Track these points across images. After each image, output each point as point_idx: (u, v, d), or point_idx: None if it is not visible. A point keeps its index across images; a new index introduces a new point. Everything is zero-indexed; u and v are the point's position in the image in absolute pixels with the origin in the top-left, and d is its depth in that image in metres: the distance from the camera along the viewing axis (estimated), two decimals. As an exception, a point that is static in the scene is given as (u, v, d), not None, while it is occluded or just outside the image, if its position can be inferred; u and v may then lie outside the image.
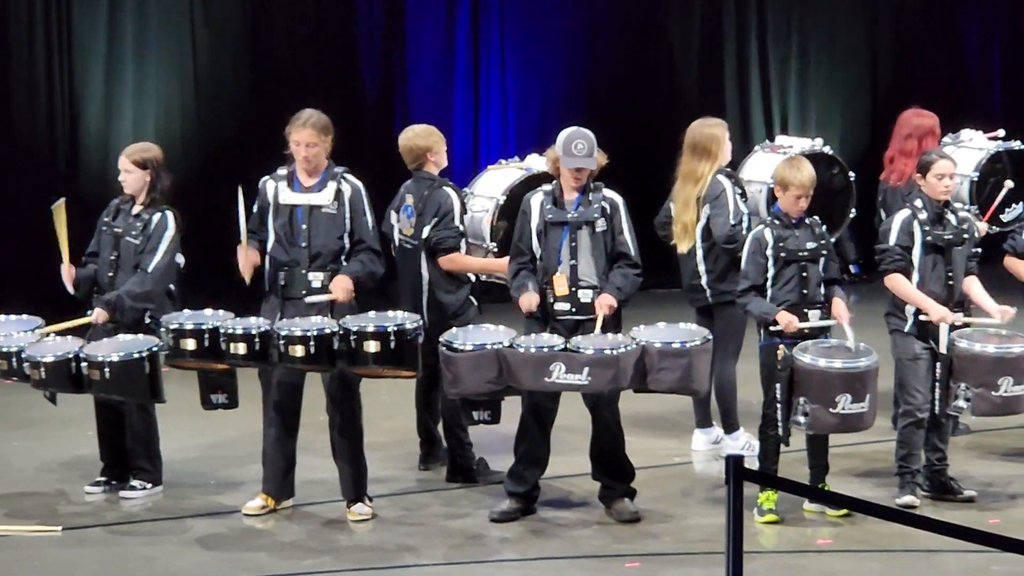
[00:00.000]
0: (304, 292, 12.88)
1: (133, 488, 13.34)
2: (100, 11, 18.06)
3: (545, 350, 12.41)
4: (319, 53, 18.75)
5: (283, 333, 12.46)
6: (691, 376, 12.66)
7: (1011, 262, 13.70)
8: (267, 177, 13.14)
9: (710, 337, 12.99)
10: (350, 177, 13.09)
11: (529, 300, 12.69)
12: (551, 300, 12.82)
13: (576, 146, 12.81)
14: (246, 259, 12.83)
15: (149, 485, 13.36)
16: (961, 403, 12.98)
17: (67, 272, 13.22)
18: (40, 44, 17.90)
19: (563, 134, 13.00)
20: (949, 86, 19.53)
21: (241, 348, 12.58)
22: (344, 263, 13.00)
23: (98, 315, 13.09)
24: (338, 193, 12.97)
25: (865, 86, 20.73)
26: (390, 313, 12.77)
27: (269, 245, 13.03)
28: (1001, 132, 15.98)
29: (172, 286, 13.34)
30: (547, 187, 13.09)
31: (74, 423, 13.92)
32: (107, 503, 13.30)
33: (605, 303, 12.65)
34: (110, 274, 13.30)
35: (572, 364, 12.36)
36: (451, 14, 19.16)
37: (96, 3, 18.10)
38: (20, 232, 17.58)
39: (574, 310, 12.73)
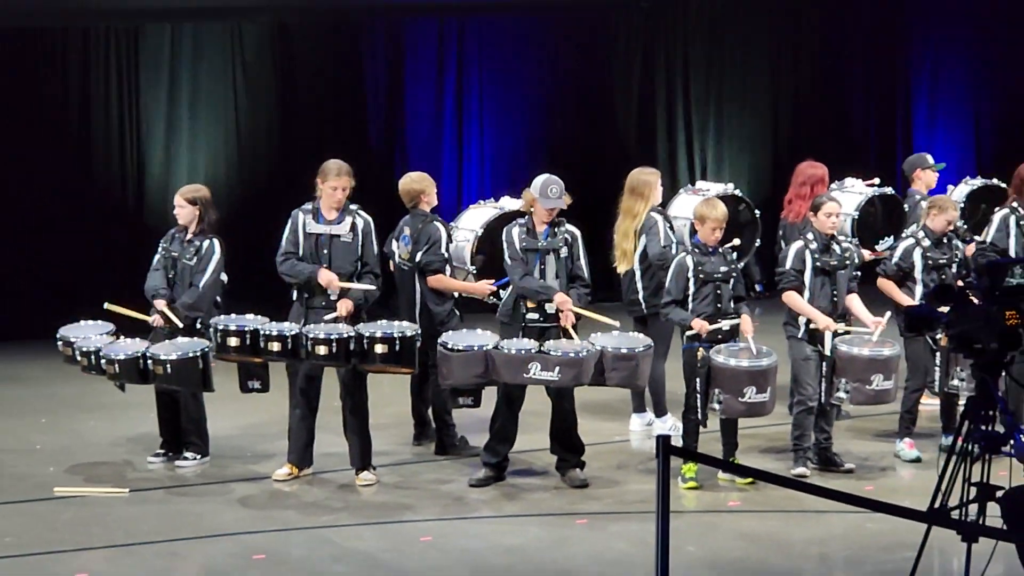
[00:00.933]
0: (323, 303, 13.16)
1: (186, 458, 13.69)
2: (163, 81, 18.21)
3: (524, 352, 12.87)
4: (335, 114, 18.83)
5: (311, 335, 12.79)
6: (636, 375, 13.23)
7: (883, 283, 14.04)
8: (297, 210, 13.43)
9: (652, 344, 13.46)
10: (363, 213, 13.47)
11: (562, 299, 13.14)
12: (523, 311, 13.22)
13: (551, 190, 13.28)
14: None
15: (199, 456, 13.71)
16: (842, 394, 13.46)
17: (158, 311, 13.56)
18: (114, 107, 18.00)
19: (539, 180, 13.42)
20: (836, 143, 19.63)
21: (276, 346, 12.92)
22: (356, 279, 13.24)
23: (157, 319, 13.45)
24: (353, 226, 13.34)
25: (768, 142, 20.82)
26: (394, 322, 13.13)
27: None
28: (876, 180, 16.22)
29: (218, 298, 13.62)
30: (522, 220, 13.45)
31: (138, 407, 14.06)
32: (165, 470, 13.62)
33: (569, 316, 13.12)
34: (168, 291, 13.59)
35: (546, 363, 12.82)
36: (440, 83, 19.31)
37: (159, 76, 18.28)
38: (101, 253, 17.80)
39: (541, 319, 13.17)
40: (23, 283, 17.92)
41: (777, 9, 21.09)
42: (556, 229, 13.41)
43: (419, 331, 13.28)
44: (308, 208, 13.50)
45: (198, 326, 13.60)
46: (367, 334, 12.98)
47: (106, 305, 13.63)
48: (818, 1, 21.27)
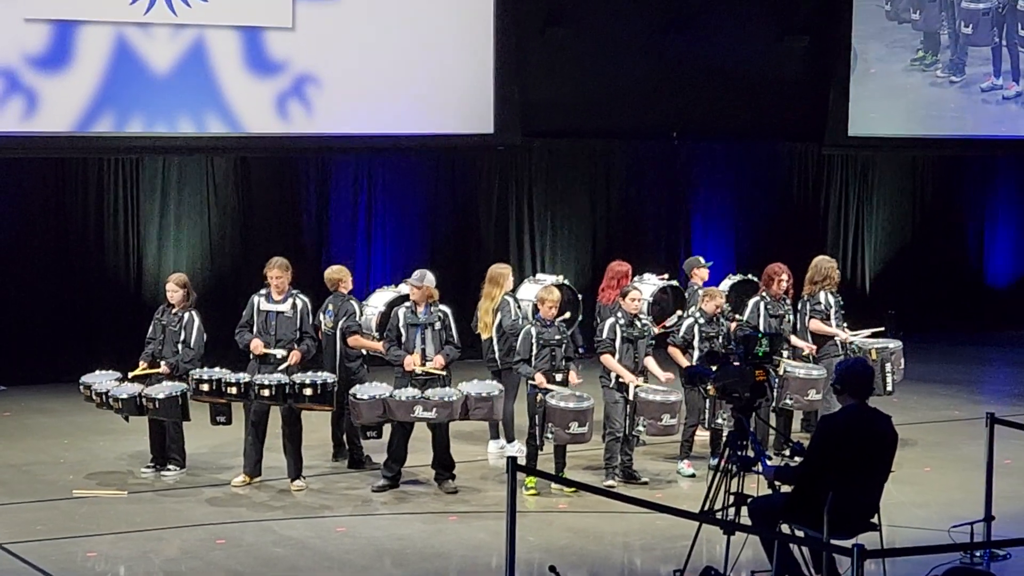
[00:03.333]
0: (270, 360, 13.10)
1: (169, 469, 13.54)
2: (156, 197, 18.00)
3: (410, 398, 12.85)
4: (280, 224, 18.73)
5: (258, 383, 12.83)
6: (493, 412, 13.32)
7: (672, 351, 13.99)
8: (255, 294, 13.42)
9: (504, 389, 13.54)
10: (302, 295, 13.45)
11: (410, 361, 13.04)
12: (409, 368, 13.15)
13: (426, 279, 13.25)
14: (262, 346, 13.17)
15: (179, 468, 13.57)
16: (640, 428, 13.39)
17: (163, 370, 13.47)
18: (120, 215, 17.86)
19: (416, 273, 13.45)
20: (636, 249, 19.41)
21: (234, 390, 12.88)
22: (296, 344, 13.24)
23: (163, 369, 13.37)
24: (294, 304, 13.31)
25: (588, 247, 20.68)
26: (319, 373, 13.12)
27: (253, 332, 13.28)
28: (666, 275, 16.30)
29: (202, 353, 13.56)
30: (408, 303, 13.37)
31: (136, 431, 13.88)
32: (154, 477, 13.47)
33: (439, 363, 13.06)
34: (163, 350, 13.52)
35: (426, 406, 12.82)
36: (355, 202, 19.20)
37: (153, 193, 18.04)
38: (110, 319, 17.62)
39: (421, 374, 13.08)
40: (53, 340, 17.65)
41: (592, 155, 20.98)
42: (432, 309, 13.32)
43: (337, 380, 13.23)
44: (262, 292, 13.46)
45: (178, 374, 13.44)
46: (299, 381, 12.96)
47: (130, 375, 13.49)
48: (622, 155, 21.20)
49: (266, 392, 12.93)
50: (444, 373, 13.18)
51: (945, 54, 22.56)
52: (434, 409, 12.90)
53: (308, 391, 12.96)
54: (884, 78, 22.21)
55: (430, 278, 13.42)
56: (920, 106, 22.59)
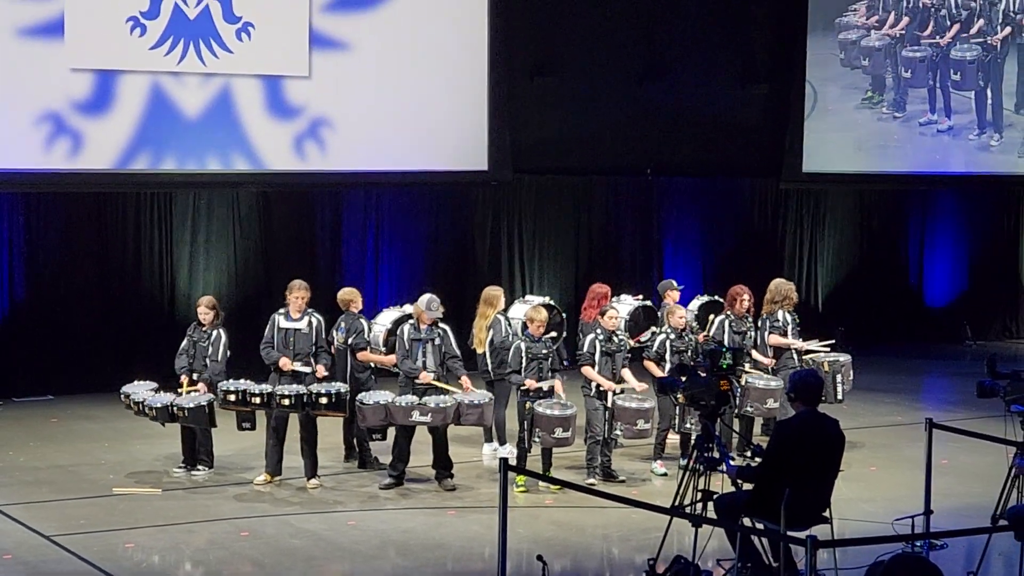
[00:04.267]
0: (290, 373, 13.13)
1: (199, 469, 13.54)
2: (187, 227, 17.99)
3: (408, 403, 12.88)
4: (298, 249, 18.67)
5: (280, 392, 12.87)
6: (483, 418, 13.27)
7: (647, 363, 13.96)
8: (275, 313, 13.43)
9: (493, 398, 13.55)
10: (316, 314, 13.45)
11: (425, 376, 13.11)
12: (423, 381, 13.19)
13: (432, 305, 13.31)
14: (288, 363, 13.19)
15: (207, 468, 13.57)
16: (618, 432, 13.42)
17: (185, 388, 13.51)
18: (156, 243, 17.85)
19: (424, 297, 13.43)
20: (615, 272, 19.49)
21: (257, 399, 12.93)
22: (312, 358, 13.28)
23: (199, 387, 13.40)
24: (310, 323, 13.32)
25: (572, 270, 20.62)
26: (333, 383, 13.18)
27: (275, 347, 13.30)
28: (641, 296, 16.32)
29: (226, 367, 13.56)
30: (412, 320, 13.40)
31: (169, 436, 13.82)
32: (185, 477, 13.46)
33: (466, 384, 13.18)
34: (193, 364, 13.57)
35: (423, 411, 12.83)
36: (364, 229, 19.12)
37: (185, 224, 18.01)
38: (146, 335, 17.50)
39: (422, 384, 13.13)
40: (95, 354, 17.61)
41: (575, 190, 20.94)
42: (433, 327, 13.35)
43: (349, 389, 13.22)
44: (281, 312, 13.44)
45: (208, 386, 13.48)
46: (315, 391, 12.97)
47: (180, 391, 13.49)
48: (601, 189, 21.14)
49: (287, 401, 12.93)
50: (469, 389, 13.30)
51: (889, 94, 22.72)
52: (430, 414, 12.91)
53: (324, 400, 12.99)
54: (836, 115, 22.30)
55: (435, 303, 13.40)
56: (868, 138, 22.63)
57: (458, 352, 13.49)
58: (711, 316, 15.24)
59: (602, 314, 13.86)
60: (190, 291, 17.72)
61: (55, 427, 15.94)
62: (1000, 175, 23.81)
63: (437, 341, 13.34)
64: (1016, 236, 24.56)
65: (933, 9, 22.78)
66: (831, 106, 22.29)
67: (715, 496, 10.28)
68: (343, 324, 13.95)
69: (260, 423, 13.41)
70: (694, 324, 15.03)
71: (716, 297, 16.28)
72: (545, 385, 13.36)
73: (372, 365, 14.06)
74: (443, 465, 13.34)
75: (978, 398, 10.89)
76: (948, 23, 22.88)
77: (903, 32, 22.64)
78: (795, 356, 14.80)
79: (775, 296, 15.06)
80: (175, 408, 13.24)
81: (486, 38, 19.37)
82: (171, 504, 12.65)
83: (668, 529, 10.31)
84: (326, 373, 13.32)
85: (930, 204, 23.79)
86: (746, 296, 14.79)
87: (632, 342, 14.71)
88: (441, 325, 13.43)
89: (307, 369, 13.28)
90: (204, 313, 13.65)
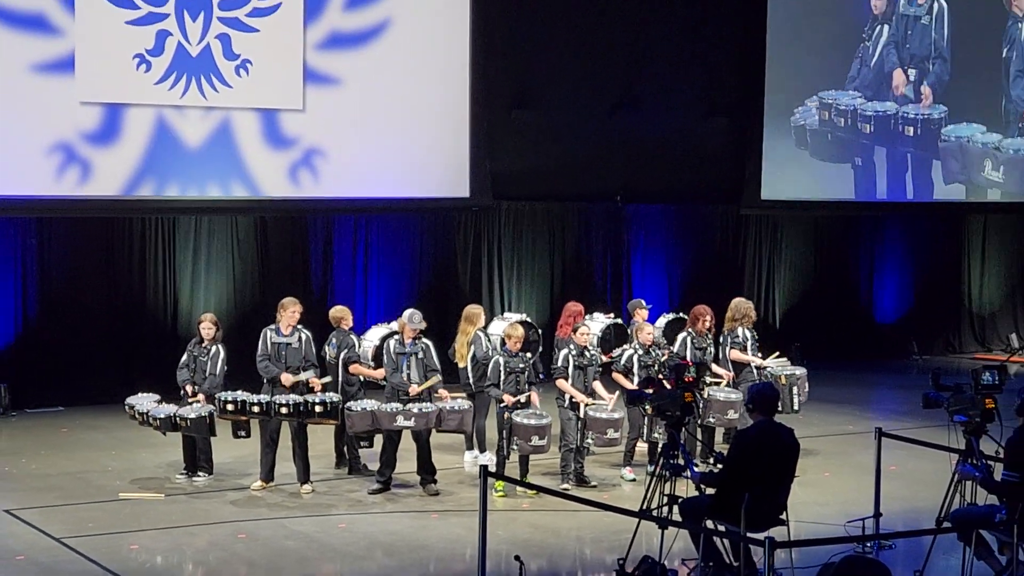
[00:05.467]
0: (282, 385, 13.07)
1: (199, 476, 13.48)
2: (189, 250, 17.98)
3: (392, 409, 12.91)
4: (291, 270, 18.63)
5: (278, 402, 12.88)
6: (463, 423, 13.23)
7: (616, 376, 13.91)
8: (266, 328, 13.41)
9: (473, 406, 13.53)
10: (305, 330, 13.40)
11: (414, 389, 13.08)
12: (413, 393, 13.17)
13: (414, 318, 13.30)
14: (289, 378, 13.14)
15: (207, 474, 13.51)
16: (590, 440, 13.45)
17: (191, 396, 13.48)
18: (160, 265, 17.84)
19: (406, 312, 13.46)
20: (587, 291, 19.54)
21: (256, 408, 12.90)
22: (301, 370, 13.22)
23: (200, 398, 13.34)
24: (299, 338, 13.28)
25: (547, 290, 20.61)
26: (326, 394, 13.16)
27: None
28: (612, 314, 16.42)
29: (224, 380, 13.49)
30: (397, 336, 13.47)
31: (171, 444, 13.78)
32: (187, 482, 13.39)
33: (444, 394, 13.24)
34: (194, 377, 13.51)
35: (407, 416, 12.85)
36: (354, 252, 19.14)
37: (187, 246, 18.00)
38: (150, 350, 17.44)
39: (406, 393, 13.11)
40: (102, 368, 17.59)
41: (550, 215, 20.94)
42: (416, 341, 13.34)
43: (340, 399, 13.21)
44: (272, 327, 13.42)
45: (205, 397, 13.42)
46: (310, 400, 12.98)
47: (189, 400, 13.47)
48: (575, 215, 21.15)
49: (284, 409, 12.92)
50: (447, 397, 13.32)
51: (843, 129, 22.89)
52: (413, 418, 12.93)
53: (319, 408, 12.99)
54: (793, 146, 22.36)
55: (417, 318, 13.40)
56: (823, 167, 22.70)
57: (439, 366, 13.47)
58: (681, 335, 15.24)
59: (575, 331, 13.86)
60: (191, 309, 17.67)
61: (64, 436, 15.90)
62: (944, 202, 23.90)
63: (420, 355, 13.32)
64: (958, 259, 24.67)
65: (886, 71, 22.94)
66: (788, 138, 22.32)
67: (680, 500, 10.29)
68: (335, 340, 13.93)
69: (255, 432, 13.40)
70: (661, 340, 15.02)
71: (682, 315, 16.29)
72: (523, 398, 13.35)
73: (362, 378, 14.04)
74: (427, 471, 13.30)
75: (924, 409, 10.90)
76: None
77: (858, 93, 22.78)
78: (754, 370, 14.81)
79: (735, 314, 15.08)
80: (178, 418, 13.22)
81: (467, 74, 19.41)
82: (173, 508, 12.63)
83: (636, 531, 10.31)
84: (318, 386, 13.29)
85: (879, 229, 23.86)
86: (708, 316, 14.79)
87: (603, 357, 14.69)
88: (424, 340, 13.41)
89: (305, 376, 13.28)
90: (207, 328, 13.60)
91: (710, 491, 10.13)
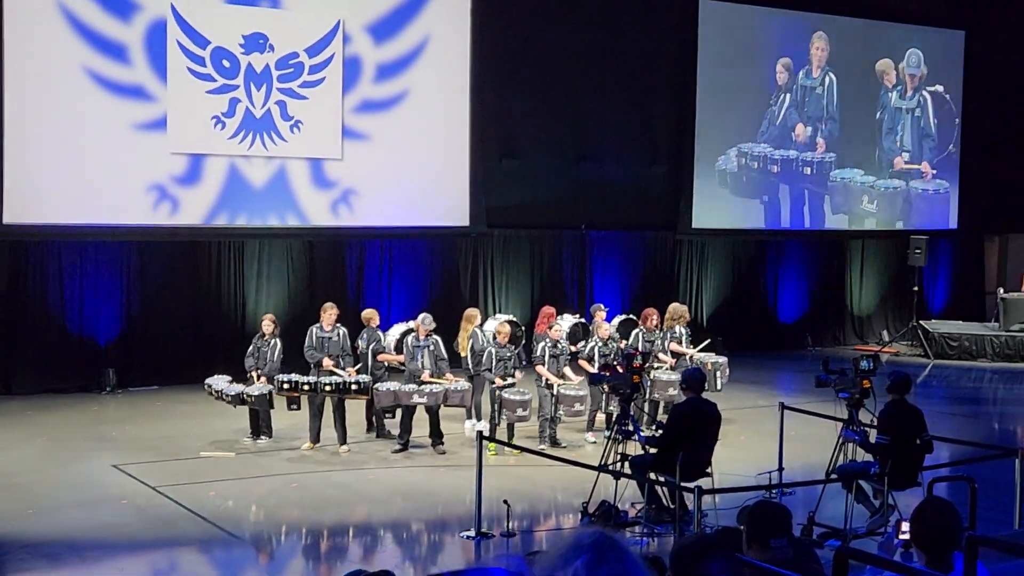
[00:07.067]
0: (326, 368, 13.07)
1: (261, 439, 13.43)
2: (253, 265, 17.83)
3: (409, 388, 12.92)
4: (333, 282, 18.40)
5: (323, 382, 12.88)
6: (464, 400, 13.21)
7: (581, 363, 13.94)
8: (311, 326, 13.41)
9: (472, 387, 13.46)
10: (343, 327, 13.38)
11: (426, 375, 13.10)
12: (417, 375, 13.20)
13: (426, 320, 13.32)
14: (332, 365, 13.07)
15: (268, 438, 13.46)
16: (560, 412, 13.41)
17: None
18: (232, 278, 17.70)
19: (421, 315, 13.49)
20: (559, 298, 19.34)
21: (306, 387, 12.92)
22: (341, 360, 13.20)
23: (262, 380, 13.32)
24: (339, 334, 13.27)
25: (528, 296, 20.41)
26: (359, 376, 13.15)
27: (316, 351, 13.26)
28: (577, 315, 16.46)
29: (280, 365, 13.49)
30: (413, 332, 13.44)
31: (240, 415, 13.71)
32: (252, 444, 13.38)
33: (449, 378, 13.14)
34: (257, 363, 13.51)
35: (421, 394, 12.85)
36: (381, 268, 18.93)
37: (252, 262, 17.85)
38: (224, 341, 17.25)
39: (419, 378, 13.13)
40: (187, 356, 17.40)
41: (531, 240, 20.82)
42: (428, 337, 13.32)
43: (370, 380, 13.18)
44: (317, 325, 13.40)
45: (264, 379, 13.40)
46: (348, 381, 12.98)
47: (250, 384, 13.38)
48: (550, 240, 21.01)
49: (327, 387, 12.91)
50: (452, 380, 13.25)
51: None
52: (426, 396, 12.92)
53: (355, 387, 12.99)
54: (716, 186, 22.30)
55: (429, 320, 13.39)
56: (738, 203, 22.65)
57: (446, 356, 13.44)
58: (632, 331, 15.23)
59: (550, 328, 13.91)
60: (256, 311, 17.51)
61: (159, 409, 15.83)
62: (832, 230, 23.91)
63: (432, 347, 13.30)
64: (842, 273, 24.62)
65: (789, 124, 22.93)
66: (712, 179, 22.31)
67: (630, 458, 10.32)
68: (365, 335, 13.89)
69: (304, 406, 13.37)
70: (616, 335, 15.03)
71: (631, 316, 16.29)
72: (510, 380, 13.35)
73: (386, 364, 14.00)
74: (436, 436, 13.24)
75: (816, 388, 10.97)
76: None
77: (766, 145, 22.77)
78: (688, 358, 14.80)
79: (673, 315, 15.10)
80: (245, 395, 13.18)
81: (467, 131, 19.37)
82: (241, 463, 12.63)
83: (596, 481, 10.36)
84: (352, 373, 13.22)
85: (783, 250, 23.82)
86: (654, 316, 14.83)
87: (571, 348, 14.68)
88: (434, 336, 13.40)
89: (339, 372, 13.20)
90: (267, 325, 13.56)
91: (653, 450, 10.16)
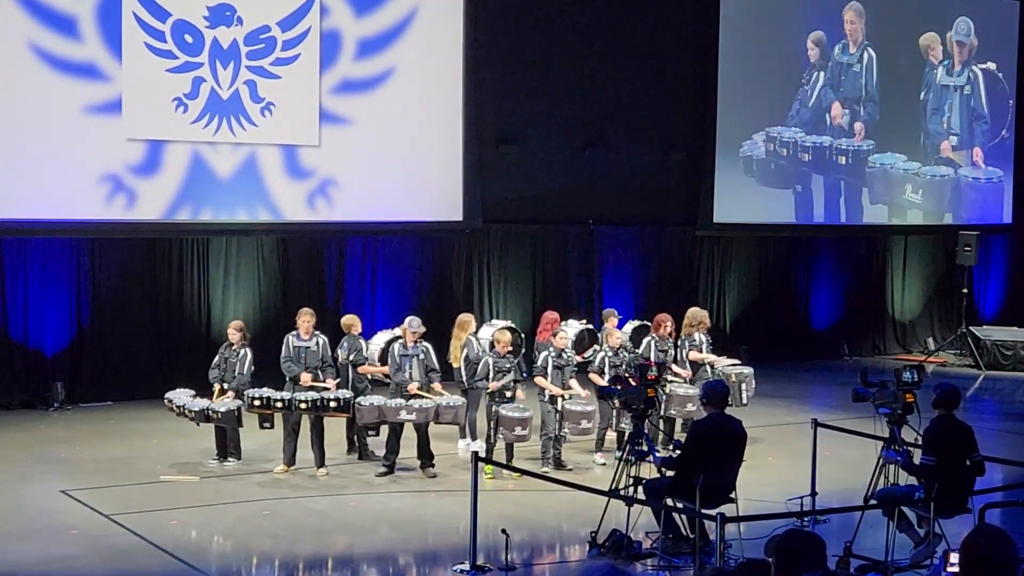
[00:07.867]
0: (303, 383, 13.10)
1: (229, 461, 13.47)
2: (220, 265, 17.86)
3: (395, 404, 12.93)
4: (308, 282, 18.51)
5: (299, 398, 12.90)
6: (457, 416, 13.24)
7: (591, 376, 13.98)
8: (287, 334, 13.46)
9: (465, 402, 13.55)
10: (322, 335, 13.41)
11: (413, 387, 13.15)
12: (403, 387, 13.24)
13: (413, 323, 13.37)
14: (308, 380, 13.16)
15: (236, 459, 13.50)
16: (566, 430, 13.46)
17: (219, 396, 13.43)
18: (196, 279, 17.70)
19: (407, 319, 13.52)
20: (564, 302, 19.32)
21: (279, 403, 12.94)
22: (319, 371, 13.23)
23: (229, 395, 13.37)
24: (317, 342, 13.30)
25: (529, 301, 20.41)
26: (338, 391, 13.18)
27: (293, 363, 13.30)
28: (585, 320, 16.53)
29: (251, 378, 13.51)
30: (400, 340, 13.48)
31: (205, 433, 13.78)
32: (218, 467, 13.42)
33: (437, 388, 13.26)
34: (224, 376, 13.52)
35: (408, 410, 12.89)
36: (363, 268, 18.99)
37: (218, 262, 17.86)
38: (186, 352, 17.27)
39: (406, 391, 13.17)
40: (146, 367, 17.50)
41: (532, 236, 20.91)
42: (417, 344, 13.36)
43: (351, 396, 13.19)
44: (293, 333, 13.43)
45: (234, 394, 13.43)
46: (326, 397, 12.99)
47: (214, 398, 13.40)
48: (553, 236, 21.10)
49: (303, 404, 12.93)
50: (443, 394, 13.32)
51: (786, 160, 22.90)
52: (415, 412, 12.94)
53: (333, 403, 13.00)
54: (742, 175, 22.33)
55: (417, 323, 13.43)
56: (766, 194, 22.69)
57: (437, 367, 13.49)
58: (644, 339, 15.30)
59: (554, 335, 13.94)
60: (222, 317, 17.59)
61: (113, 427, 15.84)
62: (871, 225, 23.95)
63: (421, 356, 13.34)
64: (883, 273, 24.69)
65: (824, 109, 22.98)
66: (736, 168, 22.32)
67: (644, 481, 10.34)
68: (346, 344, 13.90)
69: (277, 423, 13.41)
70: (628, 344, 15.06)
71: (645, 322, 16.32)
72: (508, 392, 13.37)
73: (369, 377, 14.04)
74: (426, 457, 13.29)
75: (853, 402, 10.99)
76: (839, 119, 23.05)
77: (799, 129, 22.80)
78: (709, 369, 14.84)
79: (692, 321, 15.13)
80: (210, 411, 13.22)
81: (460, 115, 19.40)
82: (207, 489, 12.65)
83: (606, 508, 10.39)
84: (334, 387, 13.25)
85: (815, 247, 23.88)
86: (668, 322, 14.84)
87: (578, 358, 14.73)
88: (424, 343, 13.44)
89: (321, 385, 13.23)
90: (234, 333, 13.60)
91: (670, 473, 10.17)
